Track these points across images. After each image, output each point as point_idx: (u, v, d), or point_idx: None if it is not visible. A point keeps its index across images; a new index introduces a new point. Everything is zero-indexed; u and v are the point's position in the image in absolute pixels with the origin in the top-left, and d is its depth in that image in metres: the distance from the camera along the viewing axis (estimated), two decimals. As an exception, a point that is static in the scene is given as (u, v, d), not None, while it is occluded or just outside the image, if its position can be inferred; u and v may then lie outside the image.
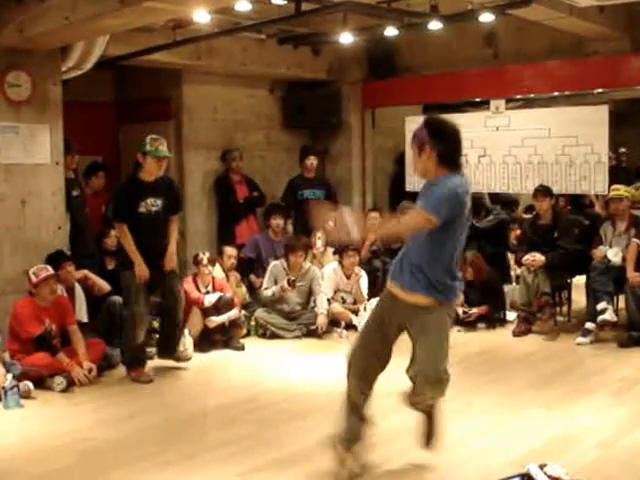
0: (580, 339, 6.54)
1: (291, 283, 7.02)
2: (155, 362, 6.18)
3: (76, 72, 6.61)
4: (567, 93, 8.32)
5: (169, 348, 6.00)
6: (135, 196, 5.67)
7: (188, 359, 6.05)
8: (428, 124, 3.70)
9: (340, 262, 7.40)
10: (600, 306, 6.50)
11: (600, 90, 8.24)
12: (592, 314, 6.59)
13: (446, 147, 3.64)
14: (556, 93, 8.34)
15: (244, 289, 7.44)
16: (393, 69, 9.04)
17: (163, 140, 5.71)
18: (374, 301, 7.36)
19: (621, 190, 6.97)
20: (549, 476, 2.11)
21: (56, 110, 6.44)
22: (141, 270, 5.64)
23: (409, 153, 8.76)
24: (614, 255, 6.68)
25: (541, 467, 2.18)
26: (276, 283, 7.15)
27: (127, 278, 5.72)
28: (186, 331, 6.31)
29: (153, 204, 5.71)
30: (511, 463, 3.94)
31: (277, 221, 7.89)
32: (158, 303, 6.06)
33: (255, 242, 7.84)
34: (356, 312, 7.26)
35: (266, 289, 7.17)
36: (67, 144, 6.58)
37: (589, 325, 6.56)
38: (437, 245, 3.63)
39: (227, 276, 7.14)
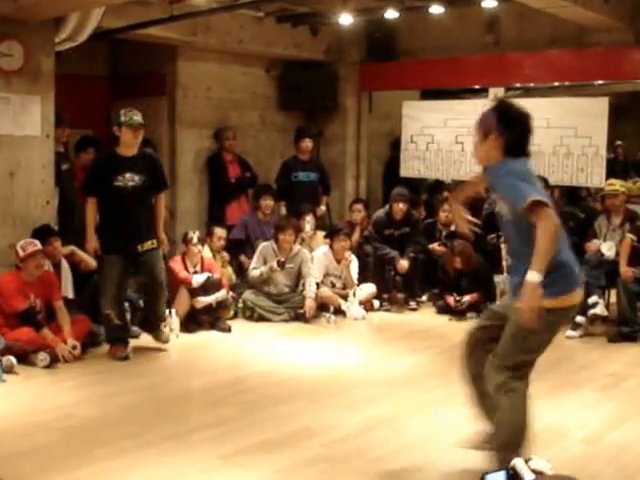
0: (570, 332, 6.51)
1: (280, 264, 6.96)
2: (140, 342, 6.14)
3: (70, 44, 6.50)
4: (567, 84, 8.26)
5: (150, 324, 5.99)
6: (111, 170, 5.61)
7: (166, 341, 5.99)
8: (497, 109, 3.44)
9: (331, 246, 7.34)
10: (591, 300, 6.46)
11: (601, 82, 8.18)
12: (583, 308, 6.55)
13: (515, 136, 3.38)
14: (556, 83, 8.27)
15: (230, 270, 7.37)
16: (392, 52, 8.96)
17: (137, 111, 5.67)
18: (364, 286, 7.40)
19: (617, 185, 6.91)
20: (533, 470, 2.09)
21: (48, 82, 6.33)
22: (91, 243, 5.70)
23: (405, 138, 8.85)
24: (608, 249, 6.64)
25: (526, 461, 2.16)
26: (265, 264, 7.07)
27: (101, 261, 5.76)
28: (173, 312, 6.28)
29: (131, 179, 5.61)
30: (496, 455, 3.92)
31: (266, 202, 7.80)
32: (142, 282, 6.01)
33: (244, 223, 7.77)
34: (345, 297, 7.22)
35: (254, 269, 7.10)
36: (58, 117, 6.48)
37: (579, 319, 6.53)
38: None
39: (214, 256, 7.08)
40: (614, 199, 6.83)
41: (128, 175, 5.59)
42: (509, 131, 3.36)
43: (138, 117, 5.61)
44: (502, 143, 3.37)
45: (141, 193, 5.67)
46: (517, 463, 2.19)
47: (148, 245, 5.73)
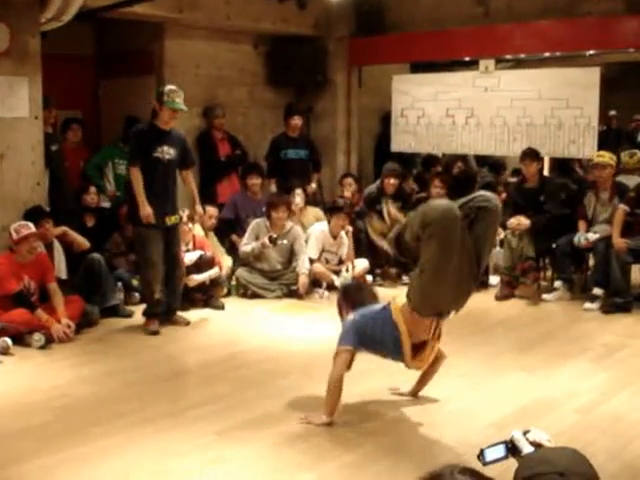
0: (587, 305, 6.48)
1: (272, 240, 6.94)
2: (133, 320, 6.15)
3: (55, 24, 6.42)
4: (558, 54, 8.20)
5: (168, 312, 6.04)
6: (152, 141, 5.74)
7: (187, 323, 6.08)
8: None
9: (328, 221, 7.32)
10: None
11: (592, 52, 8.13)
12: (600, 281, 6.52)
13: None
14: (547, 54, 8.22)
15: (228, 257, 7.31)
16: (381, 25, 8.88)
17: (181, 93, 5.78)
18: (358, 262, 7.38)
19: (606, 157, 6.77)
20: (531, 442, 2.09)
21: (35, 63, 6.27)
22: (145, 210, 5.66)
23: (395, 113, 8.81)
24: (592, 234, 6.63)
25: (524, 433, 2.16)
26: (256, 240, 7.05)
27: (139, 232, 5.80)
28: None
29: (167, 152, 5.79)
30: (490, 425, 3.96)
31: (252, 181, 7.76)
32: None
33: (233, 203, 7.72)
34: (338, 272, 7.21)
35: (245, 244, 7.08)
36: (46, 98, 6.43)
37: (597, 291, 6.50)
38: None
39: (207, 236, 7.05)
40: (602, 171, 6.76)
41: (165, 148, 5.77)
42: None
43: (180, 100, 5.72)
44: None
45: (174, 167, 5.88)
46: (515, 435, 2.18)
47: (174, 219, 5.93)
